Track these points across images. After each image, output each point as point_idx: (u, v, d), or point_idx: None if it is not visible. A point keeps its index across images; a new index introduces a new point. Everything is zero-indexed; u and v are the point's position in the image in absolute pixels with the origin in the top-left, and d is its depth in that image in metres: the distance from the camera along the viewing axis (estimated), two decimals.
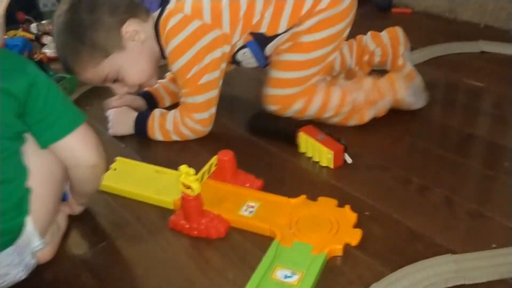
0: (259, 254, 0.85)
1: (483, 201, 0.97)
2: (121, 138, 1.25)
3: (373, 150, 1.14)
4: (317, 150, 1.06)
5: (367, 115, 1.17)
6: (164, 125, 1.18)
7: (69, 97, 1.45)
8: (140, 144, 1.23)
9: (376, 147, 1.16)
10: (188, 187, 0.87)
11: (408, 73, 1.26)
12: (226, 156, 0.98)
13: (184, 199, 0.89)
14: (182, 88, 1.14)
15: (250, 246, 0.89)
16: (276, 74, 1.16)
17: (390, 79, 1.19)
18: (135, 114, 1.22)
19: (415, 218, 0.94)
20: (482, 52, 1.61)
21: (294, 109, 1.16)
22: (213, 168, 0.98)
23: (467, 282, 0.79)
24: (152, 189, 1.01)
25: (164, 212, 0.97)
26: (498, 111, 1.31)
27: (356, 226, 0.90)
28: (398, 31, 1.32)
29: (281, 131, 1.15)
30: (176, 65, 1.12)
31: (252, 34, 1.13)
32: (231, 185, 0.99)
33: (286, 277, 0.80)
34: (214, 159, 0.97)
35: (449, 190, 1.00)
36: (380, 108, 1.18)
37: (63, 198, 0.92)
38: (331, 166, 1.06)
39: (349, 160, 1.06)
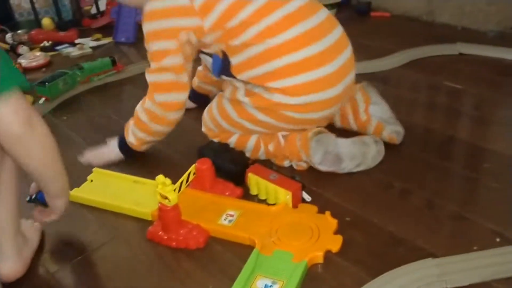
0: (239, 265, 0.83)
1: (464, 204, 0.97)
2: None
3: None
4: (272, 192, 0.96)
5: (284, 163, 1.10)
6: (129, 124, 1.12)
7: (69, 92, 1.53)
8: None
9: None
10: (166, 198, 0.85)
11: (375, 127, 1.15)
12: (204, 164, 0.97)
13: (162, 209, 0.87)
14: (150, 61, 1.06)
15: (230, 256, 0.88)
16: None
17: (304, 139, 1.05)
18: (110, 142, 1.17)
19: (396, 222, 0.93)
20: (461, 54, 1.62)
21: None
22: (191, 177, 0.96)
23: (449, 286, 0.78)
24: (130, 200, 0.99)
25: (142, 224, 0.95)
26: (477, 112, 1.31)
27: (337, 232, 0.89)
28: (359, 88, 1.18)
29: (225, 168, 1.03)
30: (145, 27, 1.04)
31: (223, 52, 1.04)
32: (210, 194, 0.98)
33: (266, 286, 0.78)
34: (192, 168, 0.96)
35: (430, 193, 1.00)
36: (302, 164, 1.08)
37: (40, 200, 0.88)
38: (287, 205, 0.95)
39: (307, 198, 0.97)
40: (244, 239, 0.88)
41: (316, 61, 1.00)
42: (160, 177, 0.85)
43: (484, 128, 1.23)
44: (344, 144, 1.06)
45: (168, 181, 0.85)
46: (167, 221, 0.87)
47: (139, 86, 1.38)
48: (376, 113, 1.15)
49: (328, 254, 0.85)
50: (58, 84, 1.51)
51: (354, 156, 1.05)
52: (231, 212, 0.93)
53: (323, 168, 1.05)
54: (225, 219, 0.92)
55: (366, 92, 1.17)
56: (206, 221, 0.91)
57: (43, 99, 1.49)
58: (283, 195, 0.94)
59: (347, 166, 1.05)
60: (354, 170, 1.06)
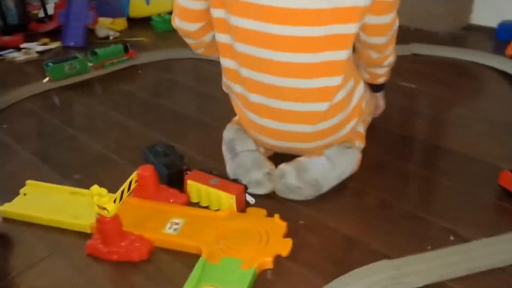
0: (188, 274, 0.78)
1: (418, 203, 0.95)
2: (44, 159, 1.16)
3: None
4: (214, 197, 0.91)
5: None
6: None
7: (78, 76, 1.56)
8: (60, 163, 1.14)
9: None
10: (104, 208, 0.79)
11: None
12: (146, 171, 0.91)
13: (100, 221, 0.81)
14: None
15: (178, 266, 0.82)
16: None
17: None
18: None
19: (351, 224, 0.90)
20: (414, 55, 1.62)
21: None
22: (133, 185, 0.90)
23: None
24: (67, 213, 0.92)
25: (82, 237, 0.89)
26: (431, 111, 1.31)
27: (290, 236, 0.85)
28: None
29: (159, 171, 0.98)
30: None
31: None
32: (154, 202, 0.92)
33: None
34: (133, 176, 0.90)
35: (384, 194, 0.97)
36: None
37: None
38: (234, 210, 0.91)
39: (251, 200, 0.93)
40: (191, 248, 0.83)
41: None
42: (95, 188, 0.79)
43: (438, 127, 1.23)
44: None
45: (104, 191, 0.79)
46: (106, 234, 0.81)
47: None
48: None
49: (280, 260, 0.82)
50: (63, 67, 1.55)
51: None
52: (176, 220, 0.88)
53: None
54: (170, 228, 0.87)
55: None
56: (149, 231, 0.85)
57: (47, 78, 1.55)
58: (227, 200, 0.89)
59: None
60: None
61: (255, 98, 0.93)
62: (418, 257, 0.80)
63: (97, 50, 1.64)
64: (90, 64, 1.62)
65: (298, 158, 0.98)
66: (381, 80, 1.11)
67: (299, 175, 0.94)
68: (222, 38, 0.93)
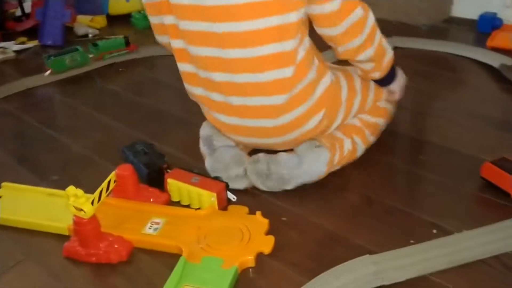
0: (169, 275, 0.77)
1: (401, 197, 0.95)
2: (21, 160, 1.13)
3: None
4: (195, 196, 0.90)
5: None
6: None
7: (79, 68, 1.58)
8: (38, 164, 1.12)
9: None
10: (81, 210, 0.77)
11: None
12: (125, 171, 0.90)
13: (77, 223, 0.79)
14: None
15: (159, 267, 0.81)
16: None
17: None
18: None
19: (333, 220, 0.90)
20: (396, 48, 1.62)
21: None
22: (112, 185, 0.89)
23: (386, 283, 0.75)
24: (44, 215, 0.90)
25: (60, 240, 0.87)
26: (412, 105, 1.31)
27: (272, 233, 0.85)
28: None
29: (138, 170, 0.96)
30: None
31: None
32: (133, 202, 0.91)
33: None
34: (112, 175, 0.88)
35: (366, 188, 0.97)
36: None
37: None
38: (215, 208, 0.90)
39: (233, 198, 0.92)
40: (171, 248, 0.82)
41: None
42: (71, 189, 0.77)
43: (419, 120, 1.23)
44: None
45: (80, 192, 0.77)
46: (84, 235, 0.80)
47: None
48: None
49: (262, 257, 0.81)
50: (64, 59, 1.57)
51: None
52: (157, 220, 0.87)
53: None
54: (150, 228, 0.85)
55: None
56: (129, 232, 0.84)
57: (49, 71, 1.55)
58: (208, 198, 0.88)
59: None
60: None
61: (216, 97, 0.93)
62: (400, 251, 0.80)
63: (99, 42, 1.67)
64: (90, 56, 1.64)
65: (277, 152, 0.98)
66: (374, 75, 1.03)
67: (268, 166, 0.95)
68: (176, 43, 0.93)
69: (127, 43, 1.69)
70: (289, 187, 0.95)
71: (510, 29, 1.61)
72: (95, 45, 1.65)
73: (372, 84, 1.07)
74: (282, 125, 0.92)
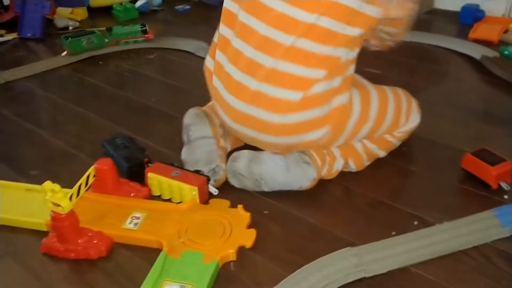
0: (149, 270, 0.76)
1: (383, 189, 0.95)
2: None
3: None
4: (176, 190, 0.89)
5: None
6: None
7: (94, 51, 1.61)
8: (16, 159, 1.10)
9: None
10: (58, 205, 0.76)
11: None
12: (105, 165, 0.88)
13: (55, 219, 0.78)
14: None
15: (139, 262, 0.80)
16: None
17: None
18: None
19: (315, 213, 0.89)
20: None
21: None
22: (91, 180, 0.87)
23: (367, 275, 0.75)
24: (22, 211, 0.88)
25: (38, 236, 0.85)
26: None
27: (255, 226, 0.84)
28: None
29: (118, 164, 0.95)
30: None
31: None
32: (113, 196, 0.89)
33: None
34: (91, 170, 0.87)
35: (348, 181, 0.97)
36: None
37: None
38: (197, 202, 0.89)
39: (214, 191, 0.91)
40: (152, 242, 0.81)
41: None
42: (48, 184, 0.76)
43: None
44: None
45: (57, 187, 0.76)
46: (62, 231, 0.78)
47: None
48: None
49: (244, 251, 0.80)
50: (81, 41, 1.60)
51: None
52: (137, 214, 0.86)
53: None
54: (130, 223, 0.84)
55: None
56: (108, 227, 0.83)
57: (65, 52, 1.60)
58: (189, 192, 0.87)
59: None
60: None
61: (235, 74, 0.90)
62: (381, 243, 0.80)
63: (114, 27, 1.67)
64: (106, 40, 1.66)
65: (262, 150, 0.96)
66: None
67: (249, 164, 0.93)
68: (230, 5, 0.94)
69: (144, 31, 1.67)
70: (266, 189, 0.93)
71: (492, 21, 1.62)
72: (109, 30, 1.66)
73: (390, 116, 0.99)
74: (287, 125, 0.90)
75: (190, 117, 1.02)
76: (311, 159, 0.92)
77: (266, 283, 0.75)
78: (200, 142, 0.97)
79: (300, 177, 0.92)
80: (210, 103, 1.07)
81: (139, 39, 1.67)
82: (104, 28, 1.72)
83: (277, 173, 0.92)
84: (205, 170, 0.93)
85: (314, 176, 0.92)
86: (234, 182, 0.94)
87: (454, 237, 0.80)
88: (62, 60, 1.59)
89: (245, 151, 0.95)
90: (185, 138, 1.02)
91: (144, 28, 1.67)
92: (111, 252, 0.82)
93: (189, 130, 1.00)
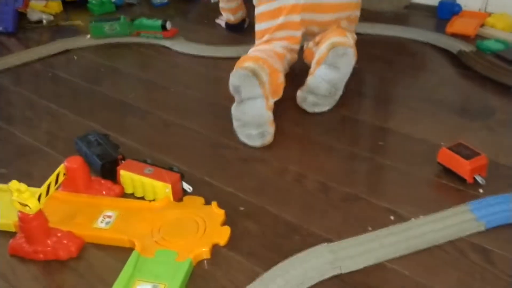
0: (122, 270, 0.74)
1: (359, 184, 0.94)
2: None
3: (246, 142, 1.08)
4: (149, 187, 0.88)
5: None
6: None
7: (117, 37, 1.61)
8: None
9: None
10: (26, 205, 0.74)
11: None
12: (75, 163, 0.86)
13: (23, 219, 0.75)
14: None
15: (111, 262, 0.78)
16: None
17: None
18: None
19: (292, 209, 0.88)
20: (358, 34, 1.61)
21: None
22: (61, 179, 0.85)
23: (343, 272, 0.74)
24: None
25: (6, 237, 0.82)
26: (373, 91, 1.31)
27: (230, 224, 0.83)
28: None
29: (91, 162, 0.95)
30: None
31: None
32: (85, 195, 0.87)
33: None
34: (61, 168, 0.85)
35: (325, 176, 0.96)
36: None
37: None
38: (171, 200, 0.88)
39: (188, 188, 0.90)
40: (124, 242, 0.79)
41: None
42: (14, 183, 0.73)
43: (379, 107, 1.23)
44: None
45: (23, 186, 0.73)
46: (30, 232, 0.76)
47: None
48: (321, 75, 1.13)
49: (218, 249, 0.79)
50: (103, 26, 1.61)
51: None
52: (109, 213, 0.84)
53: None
54: (101, 222, 0.82)
55: (328, 50, 1.11)
56: (79, 226, 0.81)
57: (88, 35, 1.63)
58: (162, 189, 0.86)
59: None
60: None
61: None
62: (357, 239, 0.80)
63: (137, 19, 1.64)
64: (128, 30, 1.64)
65: (306, 81, 1.14)
66: None
67: (312, 93, 1.13)
68: None
69: (163, 27, 1.61)
70: (339, 94, 1.16)
71: (468, 15, 1.63)
72: (131, 21, 1.63)
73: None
74: (343, 3, 1.18)
75: (238, 78, 1.03)
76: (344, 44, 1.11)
77: (241, 281, 0.74)
78: (251, 102, 1.04)
79: (349, 65, 1.13)
80: (252, 52, 1.15)
81: (158, 35, 1.61)
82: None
83: (332, 77, 1.12)
84: (254, 132, 1.03)
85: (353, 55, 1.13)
86: (318, 108, 1.15)
87: (430, 232, 0.80)
88: (35, 55, 1.54)
89: (302, 93, 1.16)
90: (236, 96, 1.06)
91: (164, 25, 1.61)
92: (82, 252, 0.80)
93: (240, 91, 1.04)
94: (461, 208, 0.84)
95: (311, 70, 1.15)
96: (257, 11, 1.22)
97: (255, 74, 1.02)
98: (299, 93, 1.16)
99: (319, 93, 1.14)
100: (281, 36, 1.20)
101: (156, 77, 1.42)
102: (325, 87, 1.13)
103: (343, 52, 1.10)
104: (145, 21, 1.63)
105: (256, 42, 1.24)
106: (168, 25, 1.61)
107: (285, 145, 1.07)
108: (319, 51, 1.14)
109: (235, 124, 1.07)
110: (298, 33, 1.20)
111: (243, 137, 1.06)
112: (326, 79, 1.13)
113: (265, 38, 1.20)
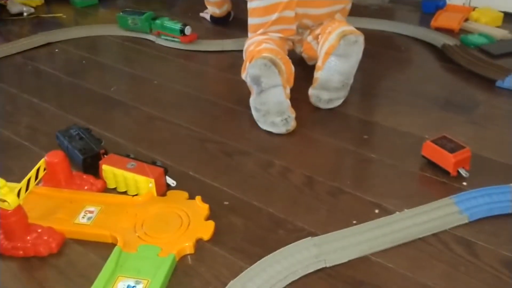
0: (103, 266, 0.73)
1: (344, 178, 0.94)
2: None
3: (230, 136, 1.07)
4: (131, 182, 0.86)
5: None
6: None
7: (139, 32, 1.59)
8: None
9: (234, 132, 1.09)
10: (4, 201, 0.72)
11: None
12: (55, 158, 0.84)
13: (1, 215, 0.74)
14: None
15: (93, 258, 0.77)
16: None
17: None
18: None
19: (277, 203, 0.88)
20: None
21: None
22: (42, 173, 0.83)
23: (328, 265, 0.74)
24: None
25: None
26: (358, 85, 1.30)
27: (214, 218, 0.82)
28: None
29: (72, 156, 0.94)
30: None
31: None
32: (66, 190, 0.85)
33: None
34: (41, 163, 0.83)
35: (310, 170, 0.96)
36: None
37: None
38: (154, 195, 0.86)
39: (172, 183, 0.89)
40: (106, 237, 0.78)
41: None
42: None
43: (364, 100, 1.22)
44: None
45: (1, 181, 0.71)
46: (8, 228, 0.74)
47: None
48: (332, 67, 1.12)
49: (202, 244, 0.78)
50: (127, 19, 1.59)
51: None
52: (91, 209, 0.82)
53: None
54: (83, 217, 0.81)
55: (338, 39, 1.09)
56: (60, 222, 0.79)
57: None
58: (145, 184, 0.84)
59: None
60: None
61: None
62: (341, 233, 0.79)
63: (159, 18, 1.56)
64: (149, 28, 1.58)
65: (316, 76, 1.14)
66: None
67: (325, 89, 1.13)
68: None
69: (182, 32, 1.49)
70: (351, 81, 1.16)
71: (453, 10, 1.64)
72: (154, 19, 1.56)
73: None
74: None
75: (258, 68, 1.03)
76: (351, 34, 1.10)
77: (225, 275, 0.73)
78: (271, 91, 1.05)
79: (358, 53, 1.12)
80: (263, 45, 1.12)
81: (176, 39, 1.51)
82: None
83: (340, 67, 1.11)
84: (278, 120, 1.05)
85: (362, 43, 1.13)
86: (332, 105, 1.15)
87: (414, 225, 0.80)
88: (15, 48, 1.51)
89: (313, 91, 1.15)
90: (254, 87, 1.06)
91: (183, 29, 1.50)
92: (63, 248, 0.78)
93: (260, 82, 1.04)
94: (445, 201, 0.84)
95: (319, 63, 1.13)
96: (250, 5, 1.20)
97: (274, 63, 1.03)
98: (311, 92, 1.15)
99: (332, 86, 1.13)
100: (276, 29, 1.19)
101: (140, 70, 1.40)
102: (338, 79, 1.12)
103: (355, 39, 1.09)
104: (166, 22, 1.54)
105: (250, 34, 1.22)
106: (187, 30, 1.50)
107: (271, 139, 1.06)
108: (328, 42, 1.11)
109: (256, 114, 1.08)
110: (293, 26, 1.20)
111: (266, 126, 1.07)
112: (338, 70, 1.12)
113: (260, 31, 1.19)
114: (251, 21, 1.22)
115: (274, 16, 1.17)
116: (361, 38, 1.11)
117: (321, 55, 1.13)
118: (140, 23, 1.57)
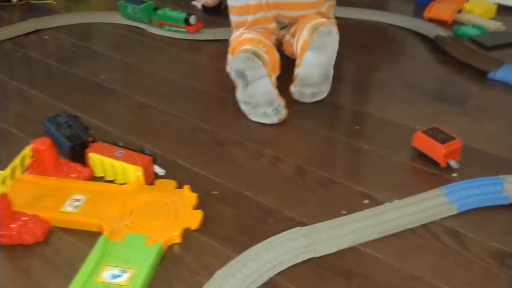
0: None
1: (335, 168, 0.93)
2: None
3: (223, 126, 1.06)
4: (119, 170, 0.85)
5: None
6: None
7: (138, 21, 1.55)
8: None
9: (226, 121, 1.08)
10: None
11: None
12: (43, 145, 0.83)
13: None
14: None
15: (80, 247, 0.76)
16: None
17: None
18: None
19: (267, 193, 0.87)
20: (337, 18, 1.59)
21: None
22: (28, 161, 0.82)
23: (317, 255, 0.74)
24: None
25: None
26: (350, 75, 1.30)
27: (202, 207, 0.81)
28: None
29: (60, 144, 0.93)
30: None
31: None
32: (53, 178, 0.84)
33: (114, 277, 0.68)
34: (27, 150, 0.82)
35: (300, 160, 0.95)
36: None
37: None
38: (143, 183, 0.86)
39: (161, 172, 0.89)
40: (92, 226, 0.77)
41: None
42: None
43: (357, 91, 1.22)
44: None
45: None
46: None
47: None
48: (310, 61, 1.11)
49: (190, 233, 0.77)
50: (128, 8, 1.56)
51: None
52: (78, 197, 0.81)
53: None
54: (69, 206, 0.80)
55: (311, 33, 1.09)
56: (46, 210, 0.78)
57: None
58: (133, 172, 0.83)
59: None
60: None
61: None
62: (330, 223, 0.79)
63: (161, 8, 1.52)
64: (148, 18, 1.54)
65: (295, 73, 1.12)
66: None
67: (307, 85, 1.11)
68: None
69: (187, 21, 1.46)
70: (331, 73, 1.13)
71: (446, 1, 1.63)
72: (155, 10, 1.52)
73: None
74: (312, 2, 1.16)
75: (242, 62, 1.02)
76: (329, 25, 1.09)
77: (213, 264, 0.73)
78: (257, 83, 1.03)
79: (334, 42, 1.11)
80: (244, 35, 1.12)
81: (181, 29, 1.48)
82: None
83: (318, 59, 1.10)
84: (269, 110, 1.03)
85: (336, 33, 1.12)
86: (316, 98, 1.13)
87: (403, 216, 0.80)
88: (5, 34, 1.49)
89: (296, 89, 1.12)
90: (240, 81, 1.05)
91: (188, 18, 1.46)
92: (49, 237, 0.77)
93: (245, 75, 1.03)
94: (434, 192, 0.84)
95: (297, 61, 1.12)
96: (229, 2, 1.19)
97: (257, 55, 1.02)
98: (293, 89, 1.13)
99: (313, 80, 1.11)
100: (257, 28, 1.17)
101: (132, 58, 1.38)
102: (318, 72, 1.11)
103: (327, 30, 1.08)
104: (169, 12, 1.49)
105: (233, 30, 1.21)
106: (193, 19, 1.47)
107: (262, 129, 1.05)
108: (302, 38, 1.11)
109: (246, 108, 1.06)
110: (273, 25, 1.19)
111: (258, 118, 1.06)
112: (317, 64, 1.10)
113: (241, 29, 1.17)
114: (232, 18, 1.20)
115: (250, 18, 1.16)
116: (333, 28, 1.10)
117: (297, 52, 1.13)
118: (139, 12, 1.53)
